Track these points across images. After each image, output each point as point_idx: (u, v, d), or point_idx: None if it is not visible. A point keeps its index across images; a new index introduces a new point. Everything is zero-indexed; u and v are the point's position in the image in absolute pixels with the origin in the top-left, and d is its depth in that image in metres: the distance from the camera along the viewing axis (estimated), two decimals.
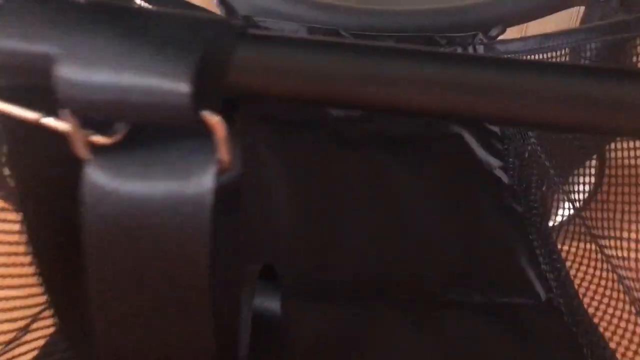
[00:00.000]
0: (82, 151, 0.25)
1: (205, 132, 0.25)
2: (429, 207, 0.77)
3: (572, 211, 0.69)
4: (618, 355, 0.56)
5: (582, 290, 0.63)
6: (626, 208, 0.61)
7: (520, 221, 0.74)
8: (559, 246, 0.68)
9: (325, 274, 0.67)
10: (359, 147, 0.81)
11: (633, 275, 0.56)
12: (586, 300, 0.61)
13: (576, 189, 0.72)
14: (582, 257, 0.64)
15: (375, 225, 0.73)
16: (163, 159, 0.26)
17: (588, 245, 0.64)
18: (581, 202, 0.69)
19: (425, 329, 0.63)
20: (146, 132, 0.26)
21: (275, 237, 0.70)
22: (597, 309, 0.60)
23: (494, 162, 0.80)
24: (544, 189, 0.74)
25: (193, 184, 0.26)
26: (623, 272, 0.58)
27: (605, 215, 0.63)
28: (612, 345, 0.57)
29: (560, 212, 0.73)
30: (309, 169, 0.79)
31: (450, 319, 0.64)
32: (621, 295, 0.58)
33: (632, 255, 0.56)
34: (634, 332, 0.57)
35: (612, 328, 0.58)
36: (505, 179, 0.78)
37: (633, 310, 0.57)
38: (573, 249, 0.66)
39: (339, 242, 0.70)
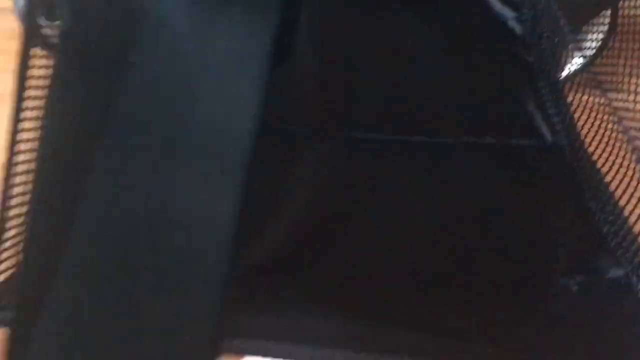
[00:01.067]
0: None
1: None
2: (440, 55, 0.80)
3: (582, 63, 0.74)
4: (616, 197, 0.63)
5: (586, 135, 0.69)
6: (636, 62, 0.65)
7: (530, 72, 0.78)
8: (568, 98, 0.73)
9: (341, 118, 0.72)
10: None
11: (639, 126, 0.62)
12: (590, 148, 0.67)
13: (588, 38, 0.76)
14: (591, 108, 0.70)
15: (387, 74, 0.77)
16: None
17: (597, 99, 0.69)
18: (592, 55, 0.74)
19: (435, 170, 0.69)
20: None
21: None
22: (600, 156, 0.66)
23: (508, 12, 0.83)
24: (556, 40, 0.78)
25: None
26: (629, 124, 0.64)
27: (615, 69, 0.68)
28: (612, 187, 0.64)
29: (570, 64, 0.77)
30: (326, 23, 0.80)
31: (462, 161, 0.71)
32: (624, 145, 0.64)
33: None
34: (632, 178, 0.63)
35: (612, 173, 0.65)
36: (518, 30, 0.82)
37: (634, 158, 0.63)
38: (582, 101, 0.71)
39: (351, 92, 0.74)
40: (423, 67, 0.77)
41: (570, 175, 0.69)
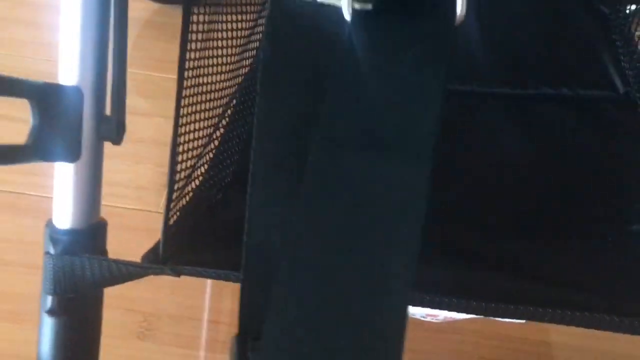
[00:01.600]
0: (347, 11, 0.35)
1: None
2: (517, 6, 0.85)
3: None
4: None
5: None
6: None
7: (605, 23, 0.83)
8: None
9: None
10: None
11: None
12: None
13: None
14: None
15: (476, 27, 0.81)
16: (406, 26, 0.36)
17: None
18: None
19: (518, 119, 0.75)
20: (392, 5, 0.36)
21: None
22: None
23: None
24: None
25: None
26: None
27: None
28: None
29: None
30: None
31: (541, 111, 0.77)
32: None
33: None
34: None
35: None
36: None
37: None
38: None
39: None
40: (511, 17, 0.82)
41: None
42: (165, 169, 0.95)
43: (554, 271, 0.59)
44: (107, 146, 0.51)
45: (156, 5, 1.14)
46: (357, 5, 0.34)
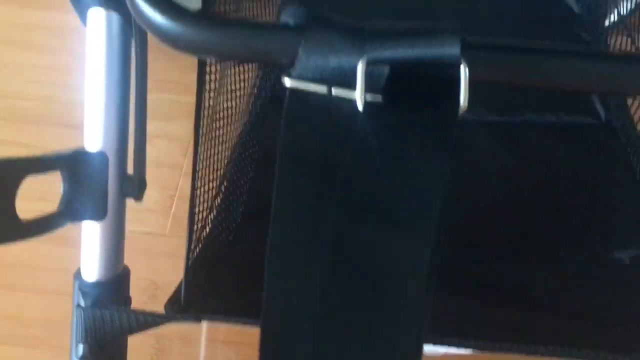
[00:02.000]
0: (360, 103, 0.38)
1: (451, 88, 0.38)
2: (500, 22, 0.89)
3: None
4: None
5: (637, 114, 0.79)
6: None
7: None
8: None
9: None
10: None
11: None
12: None
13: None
14: None
15: None
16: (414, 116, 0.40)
17: None
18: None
19: (505, 145, 0.80)
20: (401, 98, 0.40)
21: None
22: None
23: None
24: (611, 20, 0.86)
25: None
26: None
27: None
28: None
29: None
30: None
31: (527, 138, 0.81)
32: None
33: None
34: None
35: None
36: (576, 9, 0.90)
37: None
38: None
39: None
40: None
41: (623, 152, 0.79)
42: (169, 190, 0.99)
43: (537, 299, 0.63)
44: None
45: None
46: (368, 98, 0.38)
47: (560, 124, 0.81)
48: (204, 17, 0.39)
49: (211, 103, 0.59)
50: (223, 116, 0.63)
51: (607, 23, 0.91)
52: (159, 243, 0.94)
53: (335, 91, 0.39)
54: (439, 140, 0.39)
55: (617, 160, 0.78)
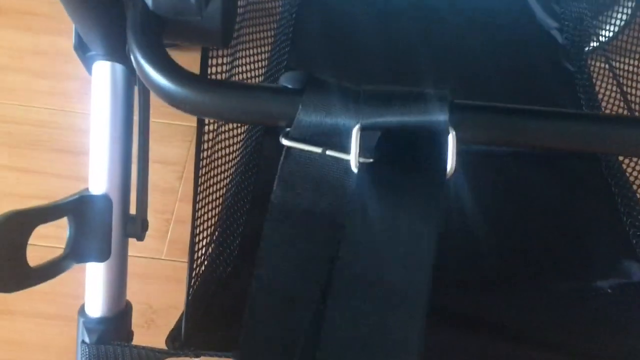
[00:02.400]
0: (354, 166, 0.41)
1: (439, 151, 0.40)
2: (488, 53, 0.91)
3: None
4: None
5: None
6: None
7: (571, 80, 0.90)
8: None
9: None
10: None
11: None
12: (625, 160, 0.80)
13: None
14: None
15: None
16: (404, 178, 0.42)
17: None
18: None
19: (490, 175, 0.82)
20: (393, 158, 0.42)
21: None
22: (633, 168, 0.79)
23: (552, 22, 0.93)
24: (591, 48, 0.89)
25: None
26: None
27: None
28: None
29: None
30: None
31: (509, 165, 0.83)
32: None
33: None
34: None
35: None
36: (560, 39, 0.93)
37: None
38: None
39: None
40: (481, 79, 0.89)
41: (604, 182, 0.82)
42: (165, 215, 1.01)
43: (519, 328, 0.66)
44: None
45: None
46: (361, 159, 0.40)
47: (545, 155, 0.83)
48: (206, 80, 0.42)
49: (209, 142, 0.62)
50: (220, 163, 0.65)
51: (587, 49, 0.94)
52: (155, 267, 0.95)
53: (329, 152, 0.41)
54: (429, 203, 0.41)
55: (598, 190, 0.81)
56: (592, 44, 0.92)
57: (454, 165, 0.40)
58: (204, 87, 0.41)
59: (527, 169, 0.82)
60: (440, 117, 0.39)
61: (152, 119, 1.11)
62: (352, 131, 0.39)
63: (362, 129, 0.39)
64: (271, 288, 0.43)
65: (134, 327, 0.81)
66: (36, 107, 1.08)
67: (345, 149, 0.41)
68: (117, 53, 0.51)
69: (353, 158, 0.40)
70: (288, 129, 0.42)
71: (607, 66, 0.88)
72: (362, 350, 0.39)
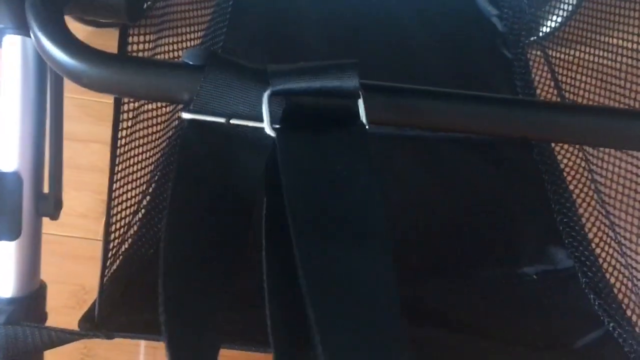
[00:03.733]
0: (269, 130, 0.39)
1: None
2: (430, 40, 0.91)
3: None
4: (574, 196, 0.76)
5: None
6: None
7: (509, 67, 0.89)
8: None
9: None
10: None
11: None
12: (557, 147, 0.80)
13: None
14: None
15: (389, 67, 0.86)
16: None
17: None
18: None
19: (425, 160, 0.81)
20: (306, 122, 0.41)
21: None
22: (563, 155, 0.79)
23: (492, 10, 0.93)
24: (530, 40, 0.88)
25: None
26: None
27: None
28: (571, 187, 0.77)
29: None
30: None
31: (442, 150, 0.82)
32: (580, 154, 0.77)
33: None
34: (586, 180, 0.76)
35: (572, 172, 0.78)
36: (500, 27, 0.92)
37: (586, 166, 0.76)
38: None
39: None
40: (420, 63, 0.88)
41: (536, 169, 0.82)
42: (103, 195, 0.99)
43: (449, 316, 0.65)
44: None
45: (89, 29, 1.16)
46: (274, 125, 0.39)
47: (477, 140, 0.83)
48: (104, 54, 0.40)
49: (130, 120, 0.60)
50: (144, 140, 0.64)
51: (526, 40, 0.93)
52: (90, 248, 0.93)
53: (234, 121, 0.40)
54: (360, 153, 0.39)
55: (529, 177, 0.80)
56: (531, 36, 0.92)
57: (366, 119, 0.39)
58: (101, 60, 0.39)
59: (461, 154, 0.82)
60: (350, 83, 0.38)
61: (94, 99, 1.09)
62: (262, 97, 0.38)
63: (273, 94, 0.38)
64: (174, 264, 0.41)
65: (64, 308, 0.79)
66: None
67: (253, 118, 0.39)
68: (27, 26, 0.49)
69: (266, 121, 0.38)
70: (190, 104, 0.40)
71: (542, 54, 0.88)
72: (345, 289, 0.38)
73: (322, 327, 0.37)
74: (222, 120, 0.40)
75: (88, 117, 1.10)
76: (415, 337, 0.61)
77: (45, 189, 0.55)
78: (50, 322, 0.57)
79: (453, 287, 0.69)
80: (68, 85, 0.53)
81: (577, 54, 0.80)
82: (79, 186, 0.99)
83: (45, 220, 0.55)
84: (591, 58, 0.78)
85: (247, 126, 0.40)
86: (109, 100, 1.04)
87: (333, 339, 0.38)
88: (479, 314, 0.66)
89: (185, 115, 0.39)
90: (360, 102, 0.39)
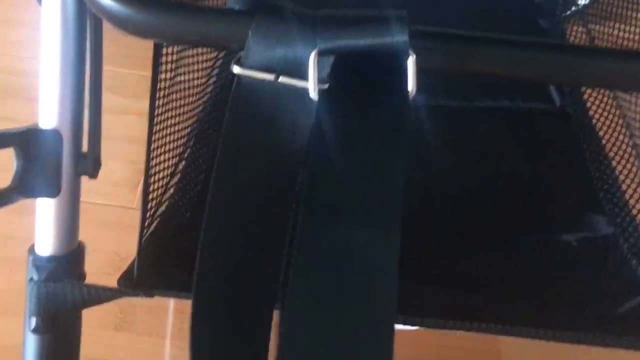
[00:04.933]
0: (313, 92, 0.37)
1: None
2: (463, 8, 0.88)
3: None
4: (613, 163, 0.74)
5: (590, 103, 0.79)
6: None
7: (543, 36, 0.86)
8: None
9: None
10: None
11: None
12: (595, 115, 0.77)
13: None
14: None
15: None
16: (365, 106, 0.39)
17: None
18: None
19: (459, 131, 0.79)
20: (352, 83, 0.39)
21: None
22: (602, 123, 0.76)
23: None
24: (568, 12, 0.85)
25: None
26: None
27: None
28: (610, 154, 0.75)
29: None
30: None
31: (481, 121, 0.80)
32: (620, 121, 0.74)
33: None
34: (627, 147, 0.74)
35: (612, 140, 0.75)
36: None
37: (627, 133, 0.73)
38: None
39: None
40: (447, 19, 0.85)
41: (575, 138, 0.79)
42: (138, 165, 0.98)
43: (487, 283, 0.63)
44: None
45: None
46: (320, 86, 0.37)
47: (516, 110, 0.80)
48: (151, 0, 0.38)
49: (168, 77, 0.58)
50: (181, 96, 0.62)
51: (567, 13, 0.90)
52: (126, 216, 0.93)
53: (282, 79, 0.38)
54: (394, 125, 0.38)
55: (567, 147, 0.78)
56: (569, 8, 0.89)
57: (414, 88, 0.37)
58: (148, 5, 0.38)
59: (497, 124, 0.79)
60: (400, 38, 0.36)
61: (127, 71, 1.08)
62: (309, 56, 0.36)
63: (320, 54, 0.36)
64: (223, 229, 0.39)
65: (101, 275, 0.78)
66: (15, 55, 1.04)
67: (300, 76, 0.37)
68: None
69: (312, 84, 0.37)
70: (240, 56, 0.38)
71: (584, 29, 0.84)
72: (336, 270, 0.37)
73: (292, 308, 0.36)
74: (271, 77, 0.38)
75: (119, 88, 1.09)
76: (451, 304, 0.60)
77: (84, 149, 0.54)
78: None
79: (490, 254, 0.67)
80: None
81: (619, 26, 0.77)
82: (114, 156, 0.99)
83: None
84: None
85: (294, 85, 0.38)
86: (145, 72, 1.03)
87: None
88: (516, 280, 0.64)
89: (236, 70, 0.38)
90: (411, 62, 0.37)
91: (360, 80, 0.38)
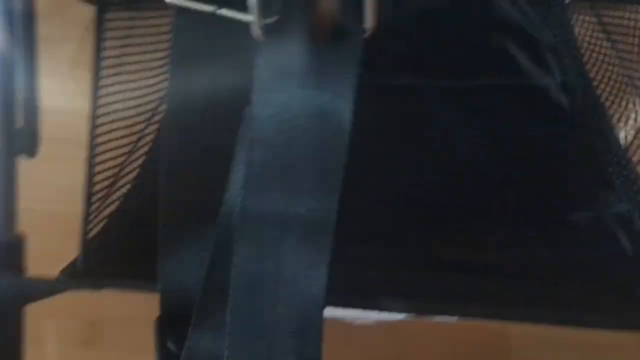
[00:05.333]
0: (257, 34, 0.32)
1: None
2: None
3: None
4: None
5: (595, 78, 0.73)
6: None
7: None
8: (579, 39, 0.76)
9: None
10: None
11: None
12: (598, 90, 0.71)
13: None
14: (599, 51, 0.72)
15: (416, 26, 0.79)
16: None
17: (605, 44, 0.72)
18: None
19: (461, 110, 0.73)
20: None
21: None
22: (607, 98, 0.70)
23: None
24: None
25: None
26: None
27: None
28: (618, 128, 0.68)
29: None
30: None
31: (480, 100, 0.74)
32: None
33: None
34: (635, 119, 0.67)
35: (617, 114, 0.68)
36: None
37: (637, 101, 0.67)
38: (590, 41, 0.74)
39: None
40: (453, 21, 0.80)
41: (580, 114, 0.72)
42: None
43: (510, 265, 0.58)
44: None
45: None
46: (265, 21, 0.32)
47: (515, 87, 0.74)
48: None
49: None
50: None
51: None
52: None
53: (222, 11, 0.33)
54: (345, 74, 0.32)
55: (574, 123, 0.71)
56: None
57: (371, 21, 0.32)
58: None
59: (508, 103, 0.73)
60: None
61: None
62: None
63: None
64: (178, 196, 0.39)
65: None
66: None
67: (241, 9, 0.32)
68: None
69: (255, 19, 0.31)
70: None
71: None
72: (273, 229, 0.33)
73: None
74: (209, 9, 0.33)
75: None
76: (462, 284, 0.55)
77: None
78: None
79: (502, 236, 0.62)
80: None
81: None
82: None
83: None
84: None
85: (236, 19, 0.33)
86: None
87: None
88: (529, 258, 0.59)
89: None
90: None
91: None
